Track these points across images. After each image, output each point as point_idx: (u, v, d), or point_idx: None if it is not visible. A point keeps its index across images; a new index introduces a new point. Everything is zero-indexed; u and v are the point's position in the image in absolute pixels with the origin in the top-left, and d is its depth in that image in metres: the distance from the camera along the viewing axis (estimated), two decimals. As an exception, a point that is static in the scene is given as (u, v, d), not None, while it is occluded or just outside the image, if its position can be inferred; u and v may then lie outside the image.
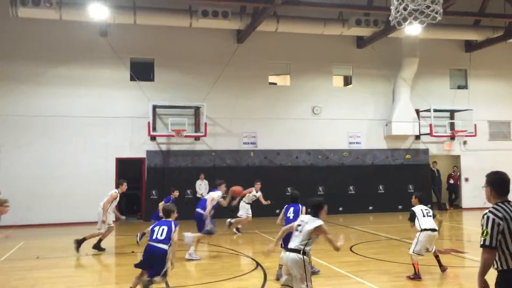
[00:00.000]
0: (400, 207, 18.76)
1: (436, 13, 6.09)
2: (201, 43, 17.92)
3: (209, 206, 10.14)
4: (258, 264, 9.47)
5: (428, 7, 5.82)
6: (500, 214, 3.82)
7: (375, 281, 8.29)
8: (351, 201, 18.47)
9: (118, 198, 11.12)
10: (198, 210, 10.29)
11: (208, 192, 12.49)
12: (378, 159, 19.20)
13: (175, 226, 6.73)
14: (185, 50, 17.85)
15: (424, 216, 8.61)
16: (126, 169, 17.23)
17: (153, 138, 17.29)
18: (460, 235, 14.53)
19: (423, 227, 8.51)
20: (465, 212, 19.33)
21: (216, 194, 10.53)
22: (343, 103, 19.20)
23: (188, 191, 17.08)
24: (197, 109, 17.67)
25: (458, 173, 20.14)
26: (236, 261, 10.19)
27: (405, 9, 5.83)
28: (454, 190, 20.22)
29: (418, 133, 19.24)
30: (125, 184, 11.22)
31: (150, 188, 17.10)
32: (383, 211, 18.38)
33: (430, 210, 8.93)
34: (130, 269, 7.48)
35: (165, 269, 6.52)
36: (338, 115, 19.04)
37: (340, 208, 18.28)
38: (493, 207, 3.90)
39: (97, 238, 10.99)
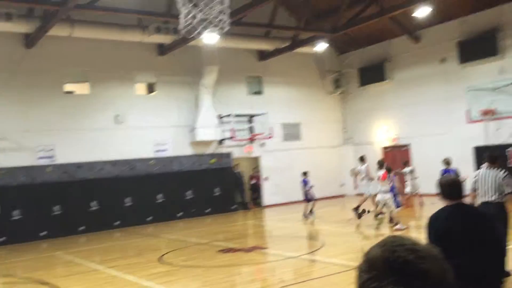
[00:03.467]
0: (207, 210, 19.29)
1: (224, 23, 6.35)
2: (-20, 47, 15.79)
3: None
4: (59, 290, 8.66)
5: (216, 17, 6.04)
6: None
7: (184, 289, 8.30)
8: (160, 210, 18.28)
9: None
10: None
11: None
12: (185, 165, 19.42)
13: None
14: (-40, 54, 15.51)
15: None
16: None
17: None
18: (263, 232, 15.55)
19: None
20: (266, 209, 20.80)
21: None
22: (147, 111, 18.93)
23: (-28, 217, 14.89)
24: (-22, 123, 15.51)
25: (259, 173, 21.58)
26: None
27: (194, 18, 5.94)
28: (256, 190, 21.64)
29: (221, 138, 20.04)
30: None
31: None
32: (192, 217, 18.66)
33: None
34: None
35: None
36: (142, 124, 18.69)
37: (149, 218, 17.98)
38: None
39: None
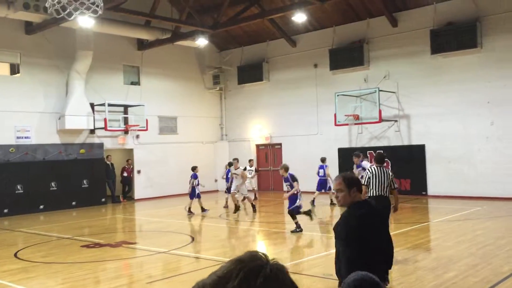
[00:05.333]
0: (74, 203, 18.24)
1: (97, 6, 5.98)
2: None
3: None
4: None
5: (88, -1, 5.67)
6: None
7: (41, 287, 7.74)
8: (18, 202, 16.84)
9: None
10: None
11: None
12: (50, 154, 18.11)
13: None
14: None
15: None
16: None
17: None
18: (132, 226, 15.10)
19: None
20: (137, 203, 20.25)
21: None
22: (10, 93, 17.30)
23: None
24: None
25: (132, 166, 20.93)
26: None
27: (63, -4, 5.51)
28: (128, 183, 20.95)
29: (93, 127, 19.04)
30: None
31: None
32: (55, 209, 17.48)
33: None
34: None
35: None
36: (3, 107, 17.04)
37: (5, 210, 16.48)
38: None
39: None
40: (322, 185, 16.38)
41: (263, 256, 1.24)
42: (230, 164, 16.63)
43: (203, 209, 15.48)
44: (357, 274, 1.88)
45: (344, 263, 3.57)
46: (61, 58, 18.48)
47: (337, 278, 3.87)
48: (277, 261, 1.25)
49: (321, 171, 16.53)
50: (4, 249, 10.74)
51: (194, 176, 15.42)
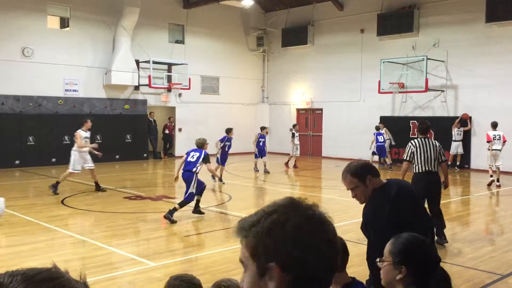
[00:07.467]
0: (117, 156, 18.82)
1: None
2: None
3: None
4: None
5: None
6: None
7: (85, 232, 8.13)
8: (65, 152, 17.42)
9: None
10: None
11: None
12: (97, 108, 18.64)
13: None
14: None
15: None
16: None
17: None
18: (172, 182, 15.46)
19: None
20: (178, 160, 20.60)
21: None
22: (59, 47, 17.76)
23: None
24: None
25: (173, 124, 21.30)
26: None
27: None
28: (169, 140, 21.39)
29: (137, 84, 19.39)
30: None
31: None
32: (99, 161, 18.03)
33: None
34: None
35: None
36: (53, 60, 17.54)
37: (53, 159, 17.20)
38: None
39: None
40: (381, 151, 17.33)
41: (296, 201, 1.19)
42: (262, 129, 16.60)
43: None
44: (408, 234, 1.89)
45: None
46: (109, 14, 18.71)
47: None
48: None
49: (380, 137, 17.29)
50: (52, 196, 11.27)
51: (224, 139, 14.26)
